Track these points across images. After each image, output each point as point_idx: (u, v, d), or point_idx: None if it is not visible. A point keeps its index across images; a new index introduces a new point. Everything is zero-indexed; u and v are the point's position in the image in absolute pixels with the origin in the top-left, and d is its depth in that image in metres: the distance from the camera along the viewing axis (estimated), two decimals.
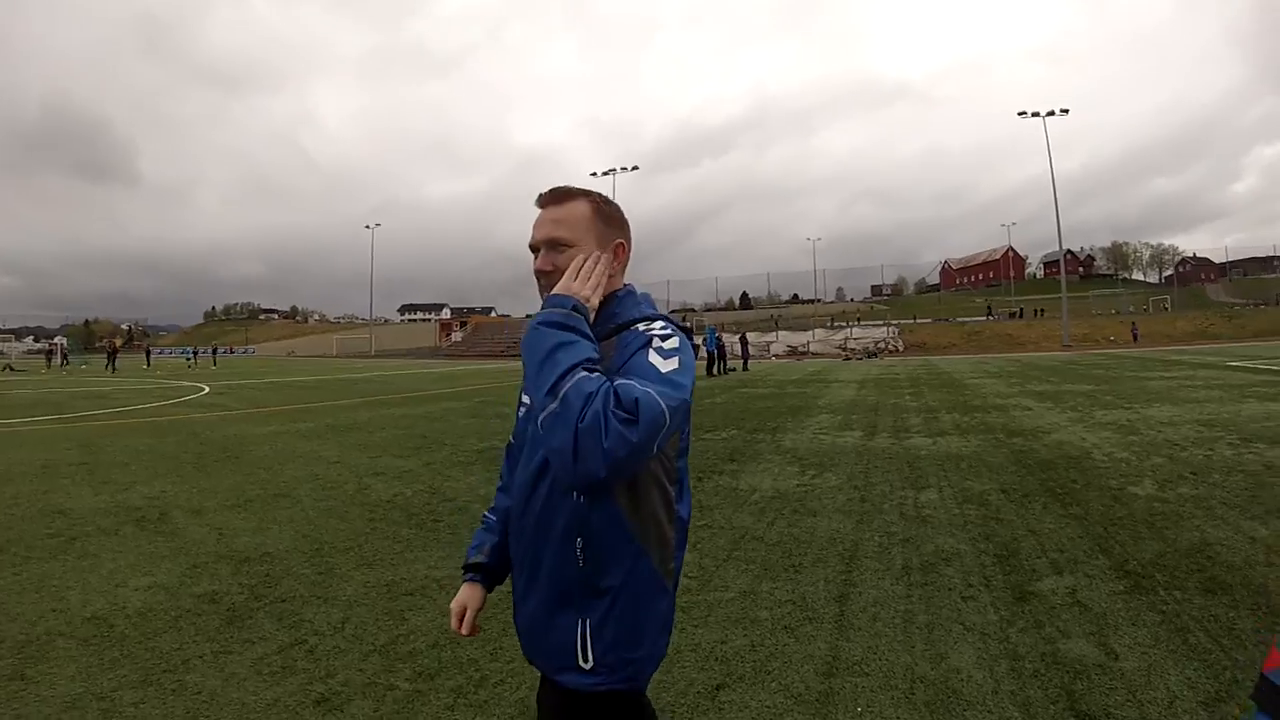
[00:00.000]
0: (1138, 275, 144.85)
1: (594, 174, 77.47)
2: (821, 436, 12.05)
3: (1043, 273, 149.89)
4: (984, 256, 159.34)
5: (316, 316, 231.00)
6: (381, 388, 27.49)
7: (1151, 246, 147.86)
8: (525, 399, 1.85)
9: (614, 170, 75.57)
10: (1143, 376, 23.33)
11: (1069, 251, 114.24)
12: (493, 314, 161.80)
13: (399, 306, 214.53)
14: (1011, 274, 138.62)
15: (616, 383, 1.44)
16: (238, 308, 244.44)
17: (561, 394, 1.41)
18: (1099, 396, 17.22)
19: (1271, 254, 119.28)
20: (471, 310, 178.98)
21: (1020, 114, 62.42)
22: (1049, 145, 62.00)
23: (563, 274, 1.73)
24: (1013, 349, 57.96)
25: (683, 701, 3.44)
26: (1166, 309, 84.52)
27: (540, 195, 1.87)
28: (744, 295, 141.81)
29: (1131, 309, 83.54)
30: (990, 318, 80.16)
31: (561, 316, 1.59)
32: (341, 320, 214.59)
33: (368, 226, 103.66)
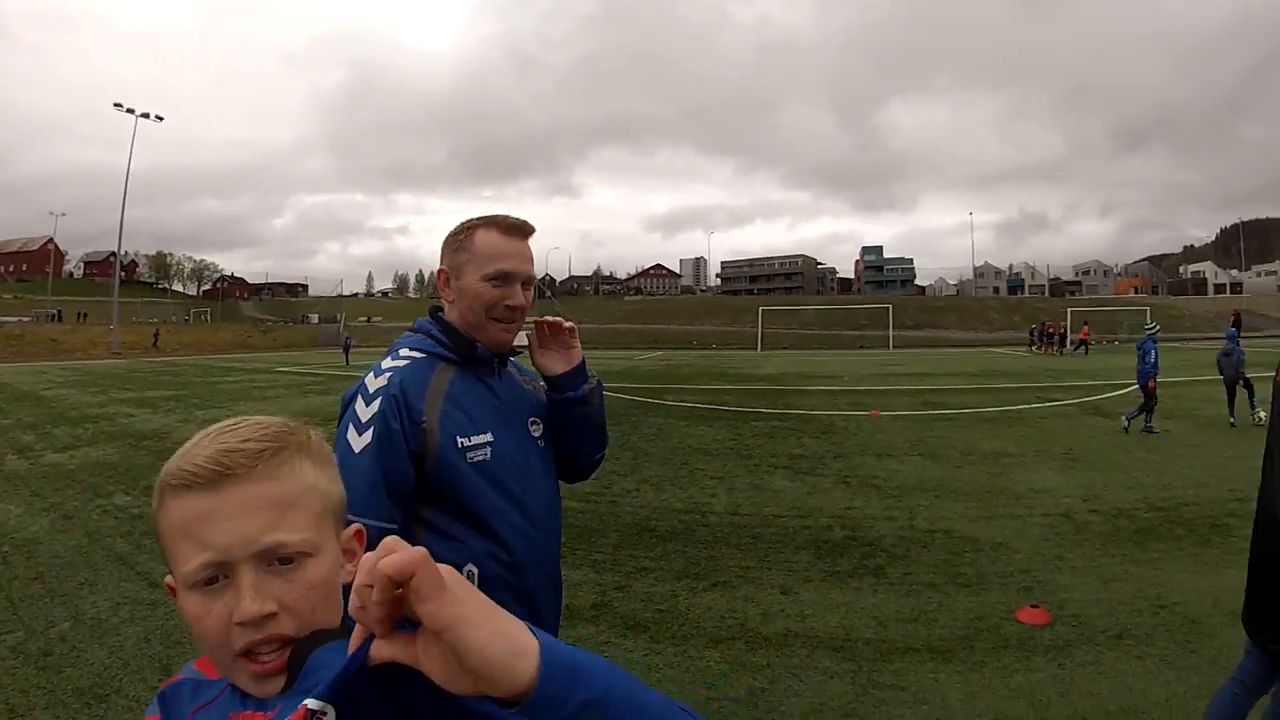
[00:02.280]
0: (178, 286, 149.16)
1: None
2: None
3: (83, 272, 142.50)
4: (20, 244, 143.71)
5: None
6: None
7: (194, 260, 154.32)
8: (487, 437, 1.87)
9: None
10: (212, 381, 27.29)
11: (113, 254, 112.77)
12: None
13: None
14: (51, 270, 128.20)
15: None
16: None
17: None
18: (186, 399, 19.91)
19: (298, 282, 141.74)
20: None
21: (116, 105, 57.18)
22: (133, 145, 58.54)
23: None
24: (60, 356, 51.06)
25: None
26: (207, 320, 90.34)
27: (518, 222, 1.94)
28: None
29: (174, 318, 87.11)
30: None
31: None
32: None
33: None
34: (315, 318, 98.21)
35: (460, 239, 1.92)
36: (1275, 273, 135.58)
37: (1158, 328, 14.76)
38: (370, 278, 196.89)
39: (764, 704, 3.83)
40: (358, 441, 1.71)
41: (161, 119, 61.20)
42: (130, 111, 57.76)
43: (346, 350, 42.12)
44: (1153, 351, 13.00)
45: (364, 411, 1.74)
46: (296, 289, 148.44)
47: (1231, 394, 13.04)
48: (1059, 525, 6.91)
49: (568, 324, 2.04)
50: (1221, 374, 13.22)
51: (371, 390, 1.77)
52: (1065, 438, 11.78)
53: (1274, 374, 2.63)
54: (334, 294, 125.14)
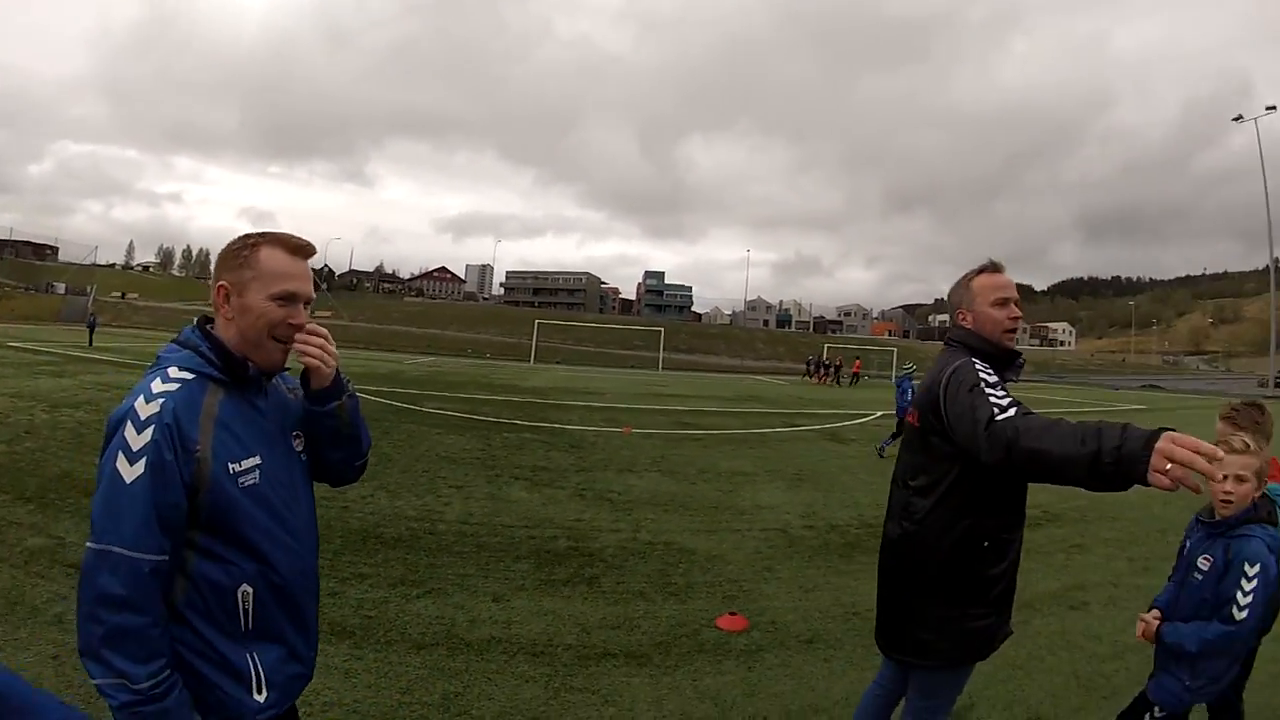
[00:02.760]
0: None
1: None
2: None
3: None
4: None
5: None
6: None
7: None
8: (256, 460, 1.85)
9: None
10: None
11: None
12: None
13: None
14: None
15: None
16: None
17: None
18: None
19: (47, 243, 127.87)
20: None
21: None
22: None
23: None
24: None
25: None
26: None
27: (303, 243, 1.94)
28: None
29: None
30: None
31: None
32: None
33: None
34: (62, 287, 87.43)
35: (244, 255, 1.88)
36: None
37: (914, 368, 16.37)
38: (131, 247, 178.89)
39: (456, 707, 3.77)
40: (129, 471, 1.66)
41: None
42: None
43: (91, 330, 37.90)
44: (910, 389, 14.25)
45: (134, 440, 1.67)
46: (45, 251, 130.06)
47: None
48: (774, 539, 7.29)
49: (325, 362, 1.97)
50: None
51: (143, 417, 1.70)
52: (799, 460, 12.58)
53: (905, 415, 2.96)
54: (87, 261, 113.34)
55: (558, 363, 57.71)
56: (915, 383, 14.55)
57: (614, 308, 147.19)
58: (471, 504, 8.05)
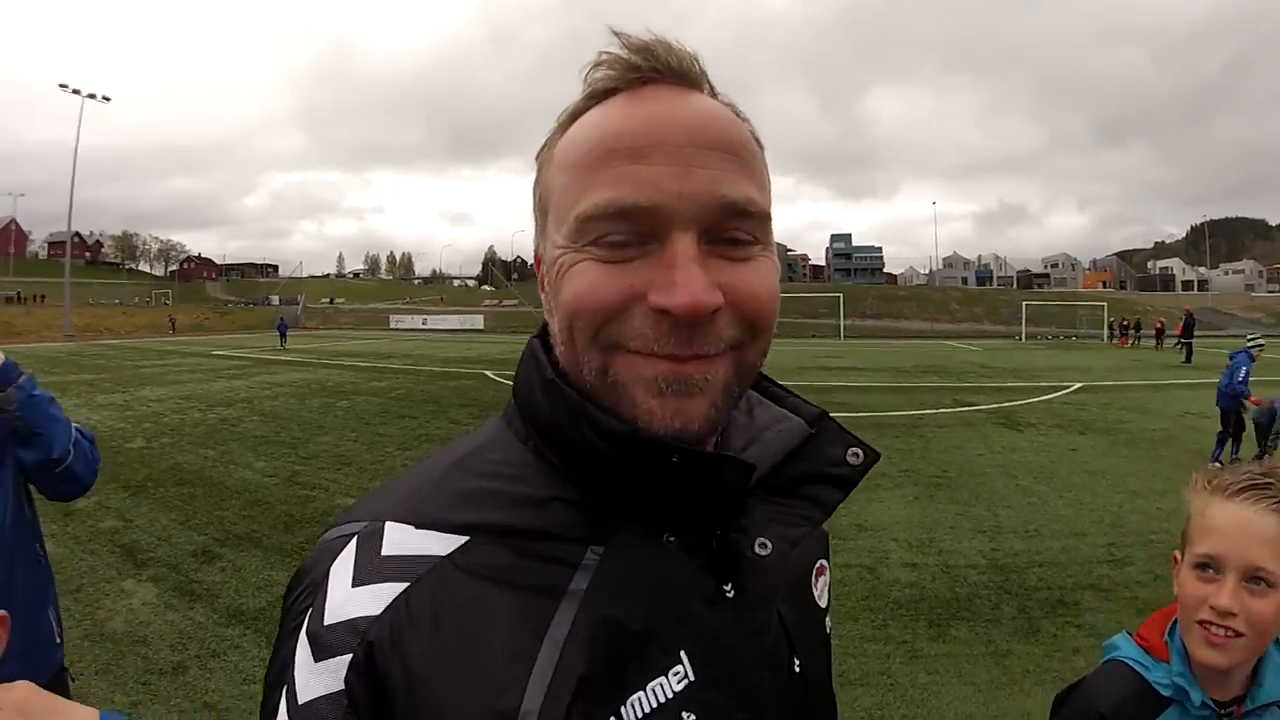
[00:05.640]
0: (144, 267, 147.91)
1: None
2: None
3: (47, 253, 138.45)
4: None
5: None
6: None
7: (161, 240, 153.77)
8: None
9: None
10: (139, 365, 26.88)
11: (77, 235, 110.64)
12: None
13: None
14: (13, 250, 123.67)
15: None
16: None
17: None
18: (100, 384, 19.99)
19: (270, 263, 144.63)
20: None
21: (61, 86, 55.55)
22: (80, 123, 56.56)
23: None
24: (12, 339, 48.30)
25: None
26: (168, 303, 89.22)
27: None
28: None
29: (136, 300, 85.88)
30: None
31: None
32: None
33: None
34: (276, 299, 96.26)
35: None
36: (1242, 271, 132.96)
37: (1261, 340, 11.29)
38: (341, 258, 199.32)
39: None
40: None
41: (109, 99, 59.31)
42: (76, 92, 55.80)
43: (281, 334, 40.35)
44: (1247, 369, 10.26)
45: None
46: (266, 270, 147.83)
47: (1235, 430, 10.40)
48: (850, 585, 5.59)
49: None
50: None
51: None
52: (953, 454, 10.60)
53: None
54: (296, 275, 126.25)
55: None
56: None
57: (805, 275, 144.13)
58: None
